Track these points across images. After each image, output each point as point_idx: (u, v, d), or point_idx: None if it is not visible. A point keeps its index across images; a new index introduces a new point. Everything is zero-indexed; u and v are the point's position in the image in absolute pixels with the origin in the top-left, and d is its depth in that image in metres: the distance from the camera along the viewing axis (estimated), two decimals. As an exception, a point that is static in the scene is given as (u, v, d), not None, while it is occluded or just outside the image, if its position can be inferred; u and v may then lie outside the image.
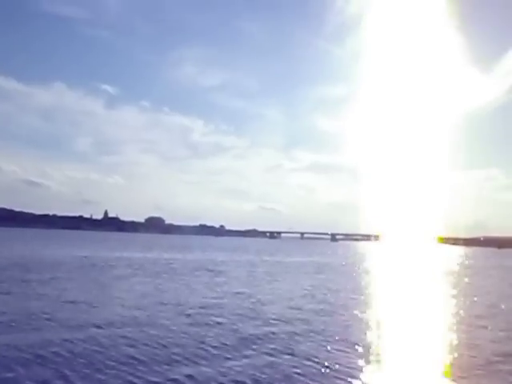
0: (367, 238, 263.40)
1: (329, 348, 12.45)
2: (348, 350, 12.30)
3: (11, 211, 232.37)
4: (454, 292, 27.46)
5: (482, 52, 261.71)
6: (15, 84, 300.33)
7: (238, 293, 23.82)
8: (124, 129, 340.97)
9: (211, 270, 36.73)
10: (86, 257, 45.45)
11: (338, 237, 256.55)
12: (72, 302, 18.44)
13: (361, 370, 10.49)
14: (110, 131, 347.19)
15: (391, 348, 13.28)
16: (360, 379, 9.88)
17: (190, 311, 17.58)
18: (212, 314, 17.02)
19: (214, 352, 11.69)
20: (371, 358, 11.64)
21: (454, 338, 14.10)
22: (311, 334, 14.11)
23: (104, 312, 16.79)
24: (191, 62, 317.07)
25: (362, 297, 23.80)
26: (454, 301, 23.38)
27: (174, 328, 14.31)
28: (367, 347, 12.63)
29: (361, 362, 11.12)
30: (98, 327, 14.02)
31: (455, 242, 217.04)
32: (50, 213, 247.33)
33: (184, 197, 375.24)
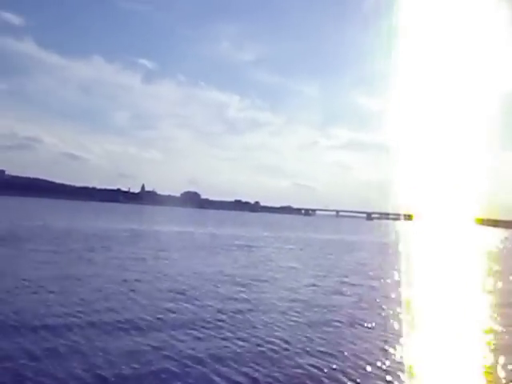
0: (403, 217, 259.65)
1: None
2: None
3: (52, 183, 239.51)
4: (493, 276, 26.92)
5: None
6: (55, 58, 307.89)
7: (291, 267, 24.82)
8: (161, 103, 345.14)
9: (251, 246, 37.21)
10: (132, 229, 46.73)
11: (373, 215, 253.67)
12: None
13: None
14: (146, 105, 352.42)
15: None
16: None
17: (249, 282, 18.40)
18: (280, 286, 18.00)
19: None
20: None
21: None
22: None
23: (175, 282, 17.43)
24: (228, 37, 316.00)
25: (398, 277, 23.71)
26: (492, 286, 22.82)
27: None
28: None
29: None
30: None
31: (494, 223, 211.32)
32: (89, 185, 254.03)
33: (219, 172, 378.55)
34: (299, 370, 8.93)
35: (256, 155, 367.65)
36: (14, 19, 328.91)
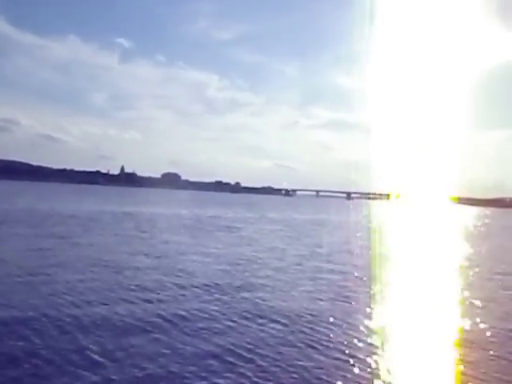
0: (382, 196, 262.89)
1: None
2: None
3: (29, 165, 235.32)
4: (468, 253, 27.73)
5: (506, 7, 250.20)
6: (31, 37, 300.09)
7: (274, 247, 25.38)
8: (139, 83, 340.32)
9: (232, 227, 37.52)
10: (113, 211, 46.52)
11: (353, 195, 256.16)
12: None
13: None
14: (125, 86, 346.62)
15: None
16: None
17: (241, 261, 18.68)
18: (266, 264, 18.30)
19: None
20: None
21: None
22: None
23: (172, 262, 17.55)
24: (207, 16, 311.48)
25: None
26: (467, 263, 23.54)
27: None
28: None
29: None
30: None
31: (472, 202, 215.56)
32: (68, 167, 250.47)
33: (200, 153, 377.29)
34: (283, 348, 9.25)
35: (237, 136, 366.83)
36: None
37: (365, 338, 9.85)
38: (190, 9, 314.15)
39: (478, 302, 13.64)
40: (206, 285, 14.47)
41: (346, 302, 13.25)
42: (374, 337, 9.98)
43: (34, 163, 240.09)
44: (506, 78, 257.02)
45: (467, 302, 13.78)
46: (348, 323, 10.97)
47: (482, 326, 11.25)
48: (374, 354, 8.99)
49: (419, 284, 17.08)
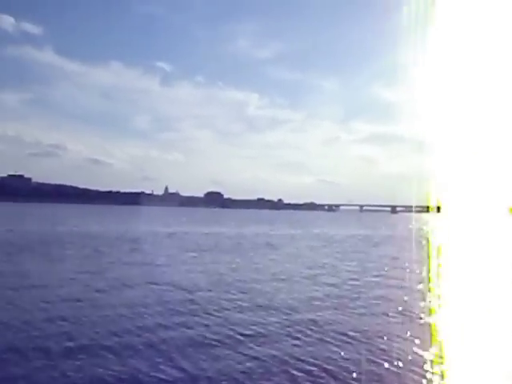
0: (429, 209, 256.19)
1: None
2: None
3: (77, 188, 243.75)
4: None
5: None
6: (75, 65, 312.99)
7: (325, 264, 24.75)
8: (180, 105, 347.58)
9: (275, 245, 37.12)
10: (161, 232, 47.11)
11: (398, 209, 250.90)
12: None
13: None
14: (166, 108, 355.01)
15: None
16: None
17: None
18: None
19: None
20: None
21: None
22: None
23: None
24: (244, 36, 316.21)
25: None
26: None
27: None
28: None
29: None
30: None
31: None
32: (114, 189, 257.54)
33: (241, 171, 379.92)
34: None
35: (277, 153, 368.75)
36: (33, 29, 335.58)
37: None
38: (228, 29, 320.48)
39: None
40: (262, 306, 13.99)
41: (411, 316, 12.58)
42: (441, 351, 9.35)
43: (81, 186, 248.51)
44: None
45: None
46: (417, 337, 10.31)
47: None
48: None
49: (476, 298, 16.18)
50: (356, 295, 15.96)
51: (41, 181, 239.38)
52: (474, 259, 30.16)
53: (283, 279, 19.06)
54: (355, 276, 20.53)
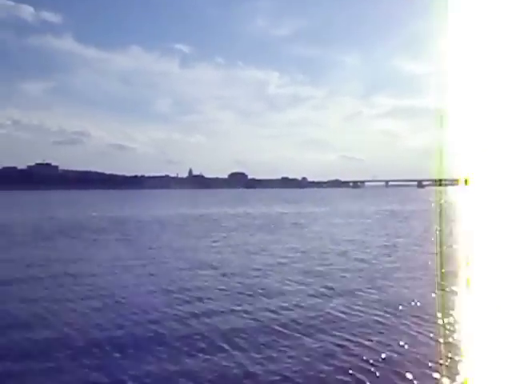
0: (455, 183, 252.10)
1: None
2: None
3: (103, 174, 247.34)
4: None
5: None
6: (94, 51, 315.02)
7: (356, 240, 24.88)
8: (201, 87, 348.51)
9: (302, 224, 37.64)
10: (192, 214, 48.07)
11: (424, 183, 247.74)
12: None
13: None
14: (187, 90, 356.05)
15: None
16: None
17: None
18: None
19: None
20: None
21: None
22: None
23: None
24: (262, 14, 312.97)
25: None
26: None
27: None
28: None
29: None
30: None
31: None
32: (138, 174, 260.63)
33: (265, 151, 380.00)
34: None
35: (300, 131, 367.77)
36: (52, 17, 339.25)
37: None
38: (246, 8, 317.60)
39: None
40: (303, 283, 14.45)
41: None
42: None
43: (107, 172, 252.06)
44: None
45: None
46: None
47: None
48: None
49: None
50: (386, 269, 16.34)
51: (67, 168, 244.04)
52: (501, 233, 30.12)
53: (314, 257, 19.46)
54: (385, 251, 20.94)
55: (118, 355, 8.26)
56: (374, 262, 18.08)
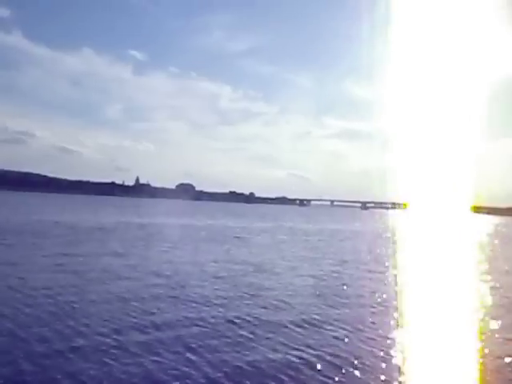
0: (398, 206, 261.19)
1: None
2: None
3: (45, 177, 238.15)
4: (485, 263, 27.01)
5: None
6: (45, 50, 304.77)
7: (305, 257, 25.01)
8: (153, 95, 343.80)
9: (250, 237, 37.54)
10: (130, 222, 46.90)
11: (368, 205, 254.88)
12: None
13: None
14: (139, 97, 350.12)
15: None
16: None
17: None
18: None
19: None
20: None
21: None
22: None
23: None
24: (219, 28, 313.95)
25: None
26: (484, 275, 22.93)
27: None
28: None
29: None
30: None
31: (489, 211, 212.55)
32: (83, 179, 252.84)
33: (214, 164, 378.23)
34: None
35: (250, 146, 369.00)
36: (2, 12, 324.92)
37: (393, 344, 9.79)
38: (204, 21, 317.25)
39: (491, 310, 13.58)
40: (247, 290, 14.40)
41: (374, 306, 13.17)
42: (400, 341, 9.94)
43: (50, 175, 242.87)
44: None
45: (481, 310, 13.71)
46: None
47: (496, 334, 11.16)
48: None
49: (437, 291, 16.94)
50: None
51: (7, 168, 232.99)
52: (436, 254, 31.20)
53: (252, 269, 19.45)
54: (325, 267, 21.12)
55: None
56: (315, 278, 18.18)
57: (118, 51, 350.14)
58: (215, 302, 13.26)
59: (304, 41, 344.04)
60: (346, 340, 10.18)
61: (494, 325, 11.93)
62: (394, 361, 8.90)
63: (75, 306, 11.97)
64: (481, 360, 9.20)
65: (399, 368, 8.52)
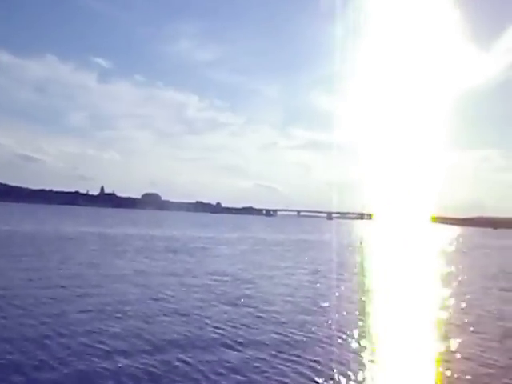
0: (362, 216, 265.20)
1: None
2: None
3: (6, 185, 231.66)
4: (446, 272, 28.02)
5: (481, 29, 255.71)
6: (6, 56, 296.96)
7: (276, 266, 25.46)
8: (118, 103, 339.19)
9: (215, 248, 37.57)
10: (91, 233, 46.19)
11: (333, 215, 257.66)
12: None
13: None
14: (104, 105, 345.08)
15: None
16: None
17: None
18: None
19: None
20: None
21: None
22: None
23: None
24: (187, 37, 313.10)
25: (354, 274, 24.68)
26: (445, 282, 23.78)
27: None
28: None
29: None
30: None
31: (451, 221, 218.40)
32: (46, 188, 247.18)
33: (180, 173, 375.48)
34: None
35: (217, 156, 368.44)
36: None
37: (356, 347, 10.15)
38: (171, 30, 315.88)
39: (452, 314, 14.29)
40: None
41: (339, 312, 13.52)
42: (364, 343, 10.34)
43: (11, 183, 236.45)
44: (484, 98, 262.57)
45: (444, 314, 14.58)
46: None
47: (458, 339, 11.72)
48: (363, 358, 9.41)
49: (399, 298, 17.67)
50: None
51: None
52: (398, 262, 32.12)
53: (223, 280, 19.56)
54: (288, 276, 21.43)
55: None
56: (283, 286, 18.47)
57: (83, 58, 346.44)
58: (195, 312, 13.53)
59: (271, 51, 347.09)
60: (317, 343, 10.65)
61: (451, 327, 12.60)
62: (353, 365, 9.31)
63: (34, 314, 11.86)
64: (440, 364, 9.80)
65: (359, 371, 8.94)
